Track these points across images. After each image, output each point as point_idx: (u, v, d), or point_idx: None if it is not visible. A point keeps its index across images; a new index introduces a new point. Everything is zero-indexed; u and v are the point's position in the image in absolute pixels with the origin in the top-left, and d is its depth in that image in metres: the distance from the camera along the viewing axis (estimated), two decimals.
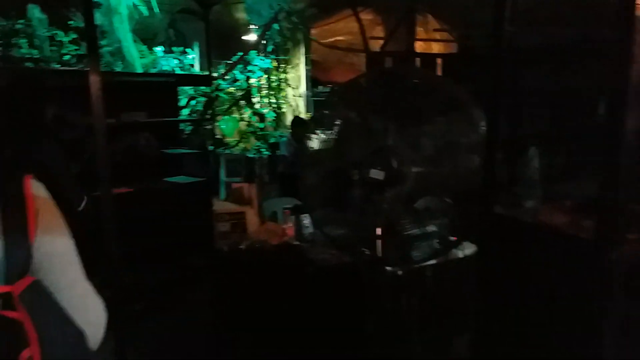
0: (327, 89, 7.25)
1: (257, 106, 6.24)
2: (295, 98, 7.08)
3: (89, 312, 1.00)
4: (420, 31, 7.40)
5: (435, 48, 7.75)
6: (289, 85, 6.96)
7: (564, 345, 1.58)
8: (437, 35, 7.51)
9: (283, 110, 6.84)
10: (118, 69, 5.42)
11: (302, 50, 7.32)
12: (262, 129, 6.02)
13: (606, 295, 1.37)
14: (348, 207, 2.92)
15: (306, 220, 3.43)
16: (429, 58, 6.46)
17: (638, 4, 1.34)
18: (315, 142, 3.26)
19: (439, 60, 6.27)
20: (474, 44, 6.87)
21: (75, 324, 0.96)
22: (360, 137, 2.93)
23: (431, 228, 2.97)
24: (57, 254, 0.96)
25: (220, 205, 3.66)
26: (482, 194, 1.90)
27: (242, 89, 5.92)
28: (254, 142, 5.97)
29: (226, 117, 6.13)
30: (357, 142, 2.95)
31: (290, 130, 5.26)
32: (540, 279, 1.68)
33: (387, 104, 2.75)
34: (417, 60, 6.32)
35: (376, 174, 2.37)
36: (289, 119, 6.43)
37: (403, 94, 2.63)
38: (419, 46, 7.43)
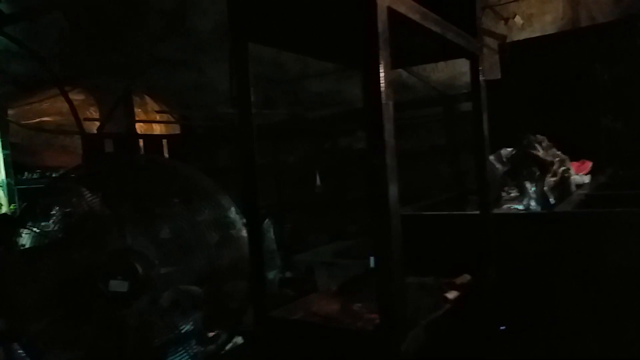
0: (37, 176, 6.33)
1: None
2: None
3: None
4: (139, 112, 7.25)
5: (157, 129, 7.69)
6: None
7: None
8: (158, 117, 7.49)
9: None
10: None
11: None
12: None
13: None
14: (83, 327, 2.47)
15: (19, 346, 2.77)
16: (152, 139, 6.37)
17: None
18: (28, 240, 2.70)
19: (163, 141, 6.24)
20: (194, 125, 7.14)
21: None
22: (94, 235, 2.55)
23: (186, 327, 2.73)
24: None
25: None
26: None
27: None
28: None
29: None
30: (89, 241, 2.57)
31: None
32: None
33: (120, 195, 2.49)
34: (140, 142, 6.15)
35: (118, 285, 2.03)
36: None
37: (136, 183, 2.43)
38: (139, 128, 7.25)
